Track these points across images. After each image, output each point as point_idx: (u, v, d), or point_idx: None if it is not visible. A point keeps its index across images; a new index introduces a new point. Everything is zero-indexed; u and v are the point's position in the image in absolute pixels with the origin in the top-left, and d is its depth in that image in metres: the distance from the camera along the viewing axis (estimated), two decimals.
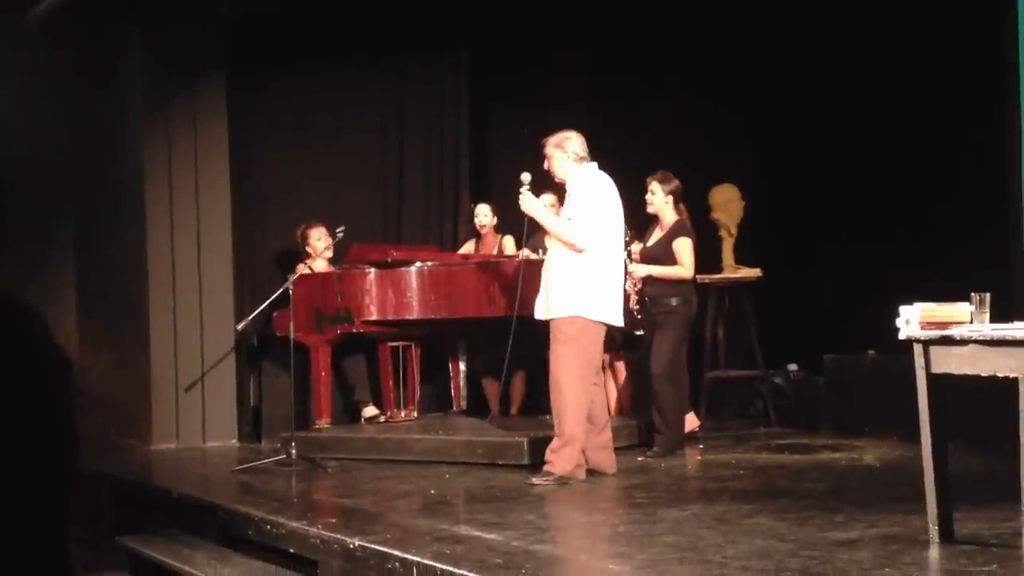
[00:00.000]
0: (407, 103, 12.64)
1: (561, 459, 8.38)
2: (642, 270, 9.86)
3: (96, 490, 9.86)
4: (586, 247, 8.45)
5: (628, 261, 9.88)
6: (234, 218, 11.62)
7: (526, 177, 8.70)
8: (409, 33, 12.35)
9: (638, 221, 10.33)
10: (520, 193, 8.71)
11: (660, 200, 9.95)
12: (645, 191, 10.03)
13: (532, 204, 8.73)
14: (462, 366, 11.84)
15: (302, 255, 11.18)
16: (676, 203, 9.99)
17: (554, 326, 8.49)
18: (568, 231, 8.53)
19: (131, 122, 11.80)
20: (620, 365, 11.09)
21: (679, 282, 9.87)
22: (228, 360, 11.47)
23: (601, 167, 8.74)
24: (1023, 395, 6.15)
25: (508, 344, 9.17)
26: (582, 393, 8.47)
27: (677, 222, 9.97)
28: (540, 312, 8.65)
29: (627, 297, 9.93)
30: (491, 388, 11.46)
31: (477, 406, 11.54)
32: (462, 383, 11.85)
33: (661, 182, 9.94)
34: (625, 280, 9.90)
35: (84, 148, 12.85)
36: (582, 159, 8.66)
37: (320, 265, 11.15)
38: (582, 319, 8.41)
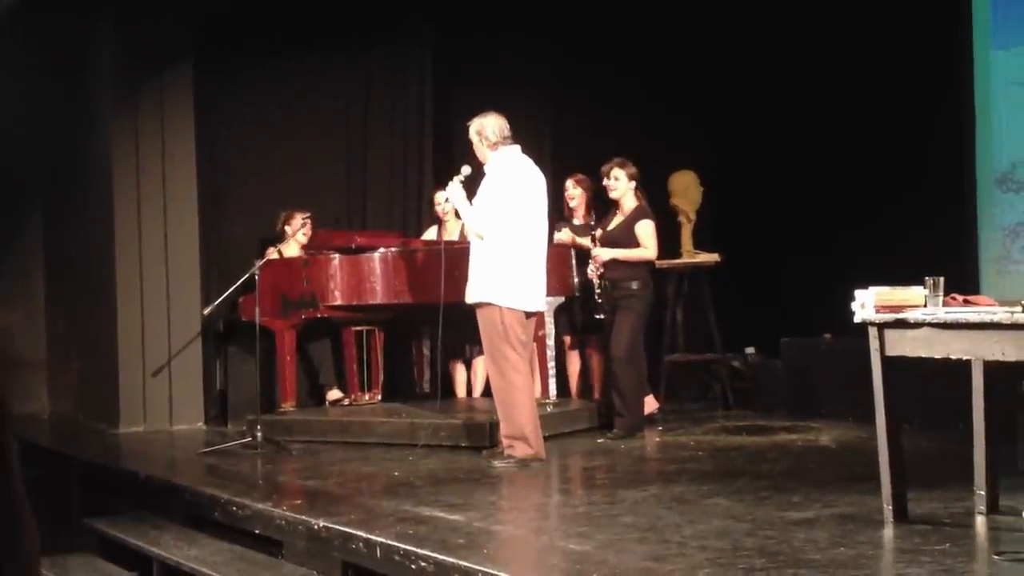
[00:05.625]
0: (371, 90, 12.65)
1: (521, 443, 8.47)
2: (606, 254, 9.88)
3: (64, 473, 9.91)
4: (484, 235, 8.50)
5: (593, 245, 9.97)
6: (201, 204, 11.65)
7: (465, 169, 8.83)
8: (374, 20, 12.37)
9: (598, 207, 10.42)
10: (451, 181, 8.84)
11: (624, 186, 9.97)
12: (602, 179, 10.10)
13: (454, 192, 8.79)
14: (425, 350, 11.88)
15: (280, 239, 11.23)
16: (636, 187, 10.07)
17: (478, 314, 8.58)
18: (470, 219, 8.64)
19: (99, 108, 11.81)
20: (580, 349, 11.20)
21: (640, 265, 9.93)
22: (195, 345, 11.52)
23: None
24: (975, 377, 6.21)
25: (439, 328, 9.26)
26: (527, 383, 8.62)
27: (638, 206, 10.02)
28: (467, 296, 8.73)
29: (589, 281, 10.01)
30: (455, 371, 11.55)
31: (441, 389, 11.58)
32: (426, 366, 11.90)
33: (622, 168, 9.98)
34: (588, 264, 10.01)
35: (52, 134, 12.85)
36: (498, 143, 8.63)
37: (292, 250, 11.22)
38: (497, 306, 8.47)
